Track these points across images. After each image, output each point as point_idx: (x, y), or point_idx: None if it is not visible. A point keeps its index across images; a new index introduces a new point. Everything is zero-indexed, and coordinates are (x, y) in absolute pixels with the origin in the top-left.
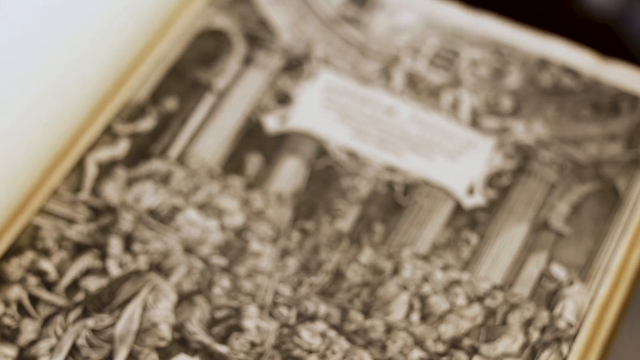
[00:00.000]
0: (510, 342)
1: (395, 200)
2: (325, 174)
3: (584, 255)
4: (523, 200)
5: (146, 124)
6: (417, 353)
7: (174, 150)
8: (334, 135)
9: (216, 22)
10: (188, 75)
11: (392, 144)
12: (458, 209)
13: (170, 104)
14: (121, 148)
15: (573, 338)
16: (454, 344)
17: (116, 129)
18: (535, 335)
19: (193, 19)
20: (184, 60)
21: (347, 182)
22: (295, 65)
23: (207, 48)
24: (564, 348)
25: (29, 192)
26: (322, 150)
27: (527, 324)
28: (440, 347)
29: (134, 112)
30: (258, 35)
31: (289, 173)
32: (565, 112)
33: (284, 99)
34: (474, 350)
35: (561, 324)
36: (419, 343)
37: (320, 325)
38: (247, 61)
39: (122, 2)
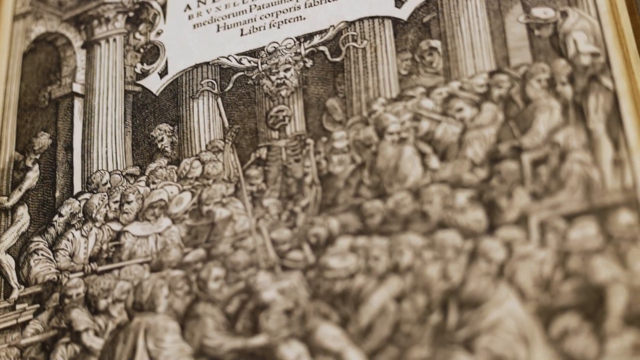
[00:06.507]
0: (548, 114)
1: (330, 64)
2: (240, 91)
3: None
4: None
5: (31, 178)
6: (462, 196)
7: (76, 181)
8: (224, 48)
9: (34, 32)
10: (41, 101)
11: (282, 13)
12: (399, 25)
13: (42, 140)
14: (23, 220)
15: (607, 65)
16: (493, 158)
17: (4, 205)
18: (567, 90)
19: (9, 47)
20: (29, 92)
21: (268, 82)
22: (138, 12)
23: (42, 62)
24: (606, 81)
25: None
26: (220, 71)
27: (551, 85)
28: (482, 173)
29: (13, 176)
30: (81, 12)
31: (205, 118)
32: None
33: (150, 51)
34: (517, 150)
35: (585, 60)
36: (456, 185)
37: (342, 242)
38: (90, 44)
39: None
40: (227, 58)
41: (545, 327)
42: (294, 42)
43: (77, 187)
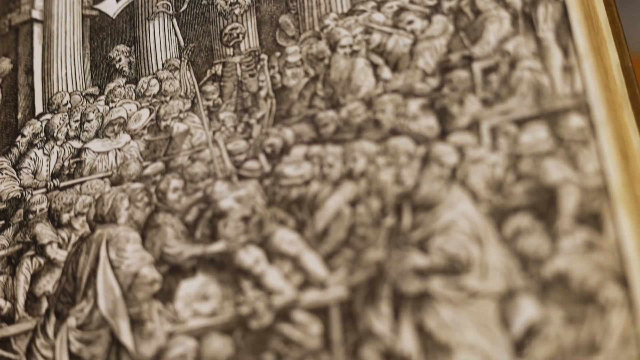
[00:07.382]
0: (498, 25)
1: None
2: (195, 11)
3: None
4: None
5: None
6: (413, 104)
7: (37, 102)
8: None
9: None
10: (1, 28)
11: None
12: None
13: (4, 65)
14: None
15: None
16: (444, 68)
17: None
18: (516, 1)
19: None
20: None
21: (222, 2)
22: None
23: None
24: None
25: None
26: None
27: None
28: (434, 82)
29: None
30: None
31: (161, 38)
32: None
33: None
34: (468, 60)
35: None
36: (409, 94)
37: (297, 151)
38: None
39: None
40: None
41: (498, 227)
42: None
43: (39, 108)
